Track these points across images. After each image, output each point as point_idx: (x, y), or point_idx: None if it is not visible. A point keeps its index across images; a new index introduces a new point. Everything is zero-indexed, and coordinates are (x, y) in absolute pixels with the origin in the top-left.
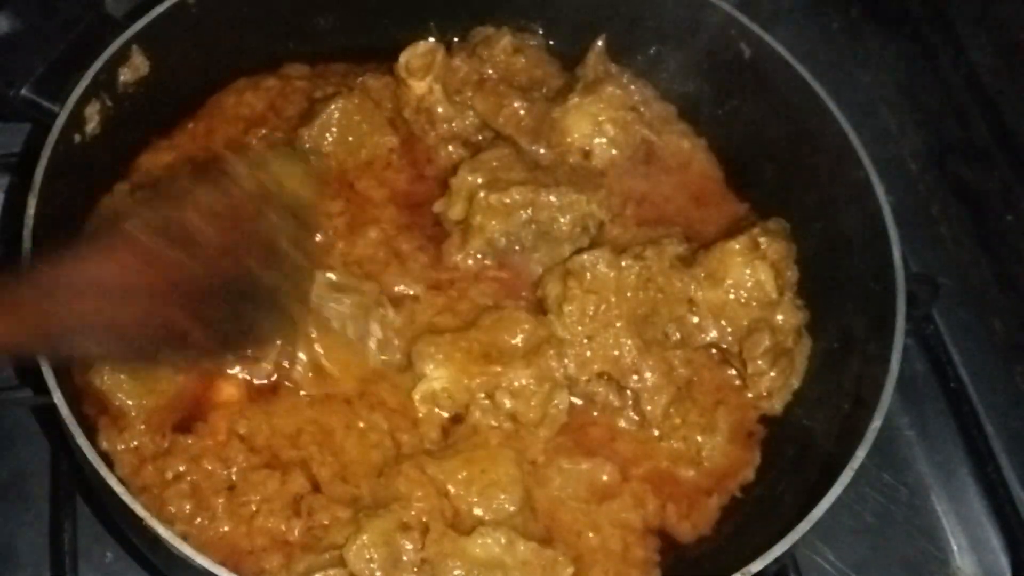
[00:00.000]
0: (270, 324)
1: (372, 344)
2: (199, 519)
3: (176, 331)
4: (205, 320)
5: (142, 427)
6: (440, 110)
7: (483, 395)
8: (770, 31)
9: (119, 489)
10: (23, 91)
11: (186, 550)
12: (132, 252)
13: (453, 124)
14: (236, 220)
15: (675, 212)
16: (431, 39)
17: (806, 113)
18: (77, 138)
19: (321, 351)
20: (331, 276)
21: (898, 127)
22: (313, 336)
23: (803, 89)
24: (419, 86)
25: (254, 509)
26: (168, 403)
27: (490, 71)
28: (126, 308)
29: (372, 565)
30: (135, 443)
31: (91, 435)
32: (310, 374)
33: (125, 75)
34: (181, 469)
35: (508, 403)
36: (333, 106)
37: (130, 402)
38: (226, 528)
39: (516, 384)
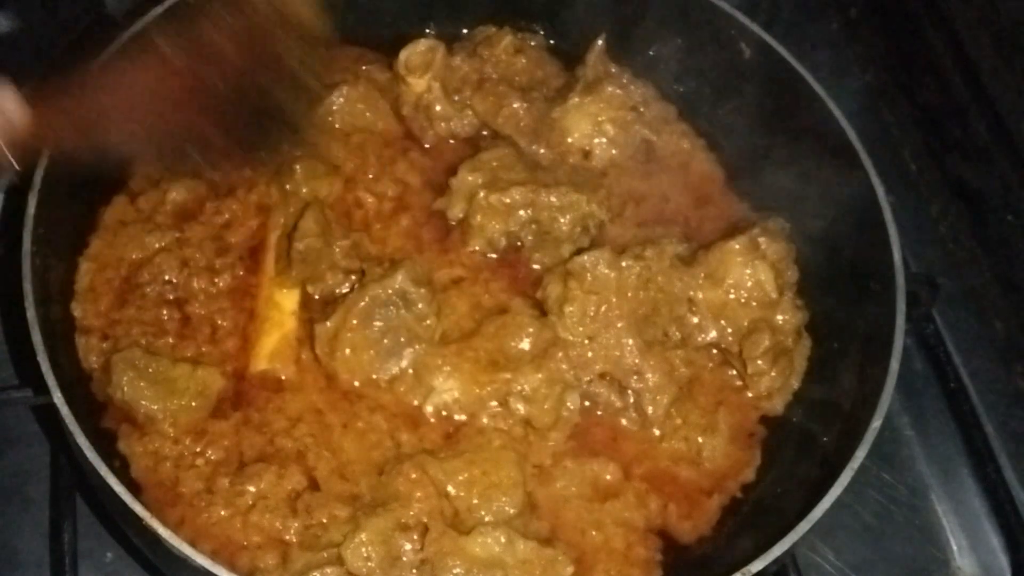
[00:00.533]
0: (280, 135)
1: (393, 368)
2: (198, 501)
3: (199, 134)
4: (225, 126)
5: (170, 429)
6: (438, 108)
7: (495, 402)
8: (770, 31)
9: (119, 489)
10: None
11: (186, 550)
12: (161, 63)
13: (451, 123)
14: (251, 39)
15: (675, 212)
16: (431, 36)
17: (806, 113)
18: None
19: (347, 344)
20: (410, 288)
21: (898, 127)
22: (354, 323)
23: (803, 89)
24: (418, 84)
25: (250, 503)
26: (190, 403)
27: (490, 71)
28: (156, 111)
29: (370, 563)
30: (157, 444)
31: (105, 438)
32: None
33: None
34: (200, 456)
35: (522, 408)
36: (336, 94)
37: (155, 407)
38: (222, 513)
39: (528, 389)
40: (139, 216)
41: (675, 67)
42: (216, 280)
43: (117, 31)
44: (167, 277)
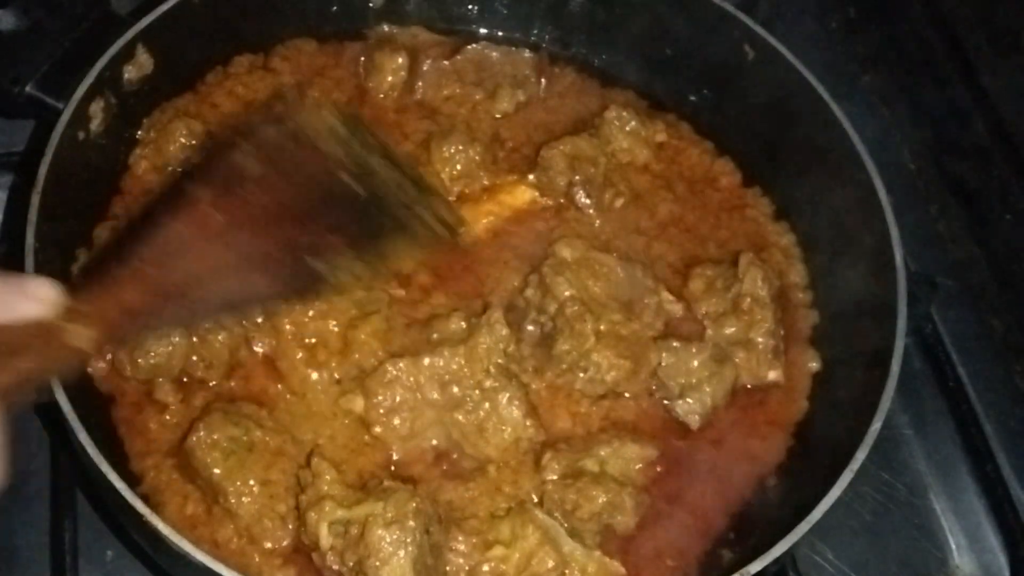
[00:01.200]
0: (391, 227)
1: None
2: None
3: (312, 244)
4: (328, 227)
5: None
6: (423, 87)
7: None
8: (770, 31)
9: (120, 486)
10: (28, 88)
11: (186, 547)
12: (235, 190)
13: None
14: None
15: (686, 219)
16: (399, 59)
17: (809, 114)
18: (81, 135)
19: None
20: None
21: (897, 127)
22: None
23: (806, 90)
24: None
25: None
26: None
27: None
28: (255, 244)
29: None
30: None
31: (106, 435)
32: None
33: (130, 72)
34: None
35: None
36: None
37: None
38: None
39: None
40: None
41: (682, 72)
42: None
43: (122, 28)
44: None
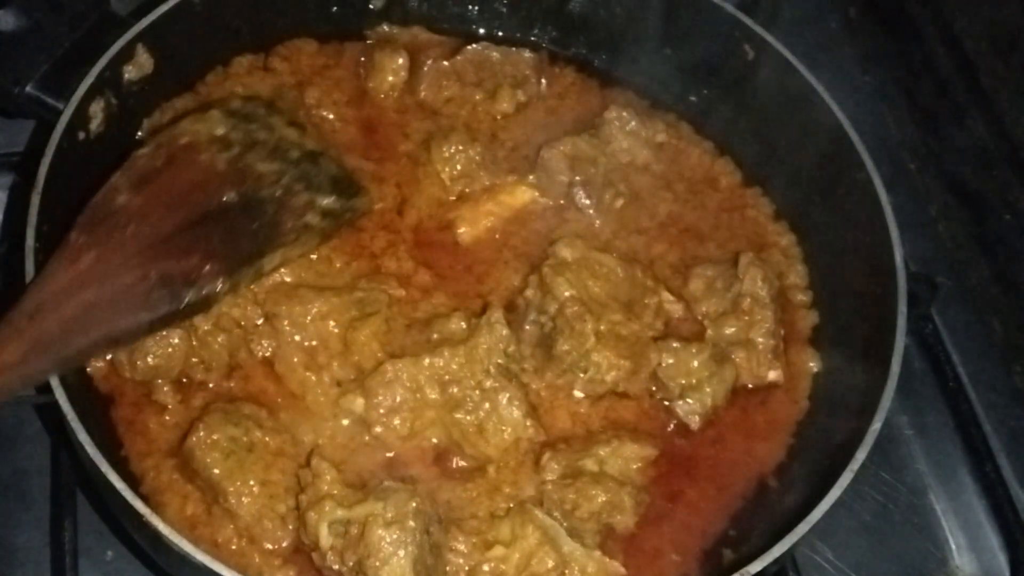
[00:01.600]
0: (266, 236)
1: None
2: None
3: (183, 274)
4: (201, 255)
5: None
6: (424, 88)
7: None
8: (769, 31)
9: (120, 486)
10: (28, 88)
11: (186, 547)
12: (106, 224)
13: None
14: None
15: (707, 227)
16: (400, 59)
17: (809, 114)
18: (81, 135)
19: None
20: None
21: (898, 127)
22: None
23: (805, 90)
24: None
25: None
26: None
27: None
28: (127, 279)
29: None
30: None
31: (106, 436)
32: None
33: (130, 72)
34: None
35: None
36: None
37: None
38: None
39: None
40: None
41: (682, 72)
42: None
43: (122, 28)
44: None
